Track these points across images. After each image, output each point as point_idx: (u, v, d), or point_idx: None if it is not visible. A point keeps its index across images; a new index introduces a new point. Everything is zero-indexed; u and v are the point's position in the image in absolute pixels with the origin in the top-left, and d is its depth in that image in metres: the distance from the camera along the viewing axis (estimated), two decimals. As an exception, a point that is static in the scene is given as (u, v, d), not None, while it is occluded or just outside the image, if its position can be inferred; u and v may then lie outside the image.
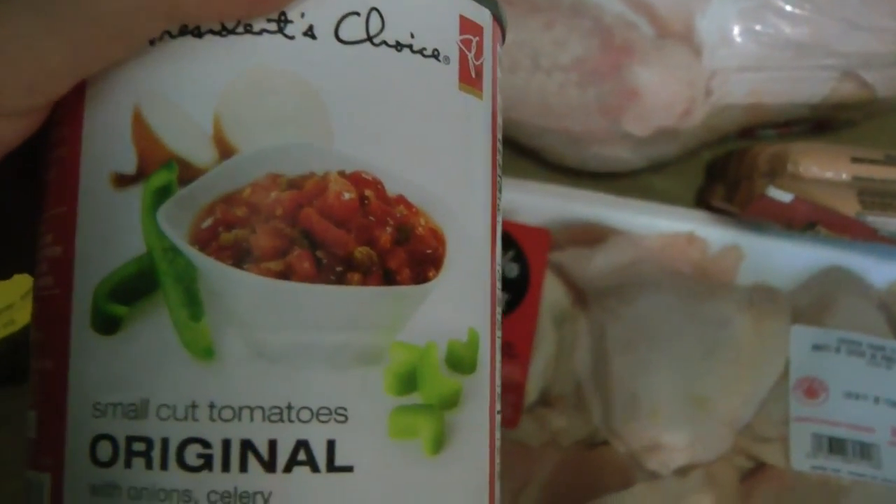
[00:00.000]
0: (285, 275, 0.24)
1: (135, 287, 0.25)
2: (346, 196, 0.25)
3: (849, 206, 0.52)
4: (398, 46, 0.26)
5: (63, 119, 0.26)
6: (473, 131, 0.28)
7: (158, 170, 0.25)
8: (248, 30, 0.25)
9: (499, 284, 0.29)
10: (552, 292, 0.54)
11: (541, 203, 0.56)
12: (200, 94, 0.25)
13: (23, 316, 0.50)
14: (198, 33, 0.25)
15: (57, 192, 0.26)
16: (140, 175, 0.25)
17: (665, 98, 0.53)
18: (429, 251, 0.26)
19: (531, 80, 0.53)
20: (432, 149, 0.27)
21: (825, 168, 0.53)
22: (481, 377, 0.28)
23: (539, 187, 0.57)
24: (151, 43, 0.25)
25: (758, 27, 0.53)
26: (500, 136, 0.30)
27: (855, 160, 0.53)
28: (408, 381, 0.25)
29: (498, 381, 0.29)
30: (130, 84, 0.25)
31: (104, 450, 0.24)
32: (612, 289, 0.54)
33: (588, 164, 0.58)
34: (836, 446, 0.51)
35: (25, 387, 0.27)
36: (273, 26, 0.25)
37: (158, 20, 0.24)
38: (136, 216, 0.25)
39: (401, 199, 0.26)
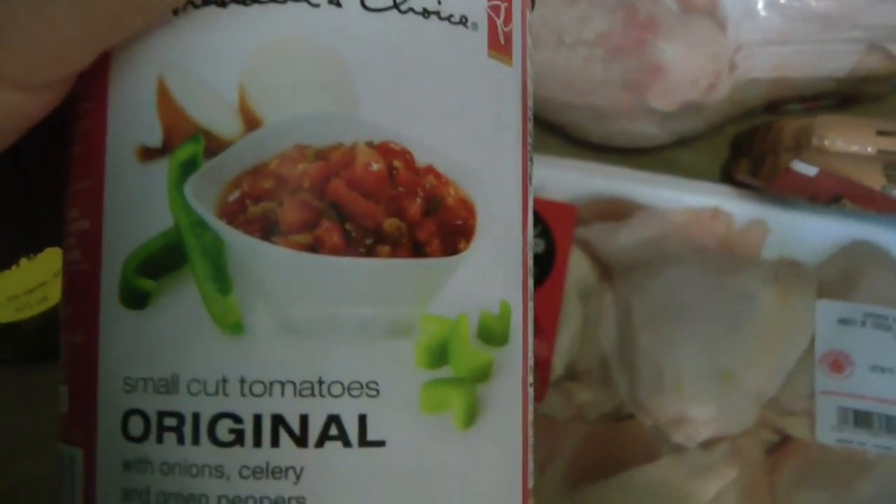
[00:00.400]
0: (314, 247, 0.24)
1: (163, 261, 0.24)
2: (375, 167, 0.25)
3: (874, 180, 0.52)
4: (425, 13, 0.26)
5: (88, 92, 0.26)
6: (503, 99, 0.28)
7: (184, 142, 0.25)
8: None
9: (530, 254, 0.29)
10: (578, 268, 0.54)
11: (566, 179, 0.56)
12: (224, 64, 0.25)
13: (55, 293, 0.51)
14: (221, 3, 0.25)
15: (83, 165, 0.26)
16: (166, 148, 0.25)
17: (689, 73, 0.53)
18: (459, 222, 0.26)
19: (556, 56, 0.54)
20: (461, 117, 0.26)
21: (850, 141, 0.52)
22: (513, 349, 0.27)
23: (564, 163, 0.57)
24: (175, 13, 0.25)
25: (782, 0, 0.53)
26: (530, 103, 0.29)
27: (880, 133, 0.53)
28: (439, 354, 0.25)
29: (530, 354, 0.29)
30: (154, 55, 0.25)
31: (135, 425, 0.24)
32: (638, 264, 0.54)
33: (613, 139, 0.58)
34: (861, 419, 0.51)
35: (54, 364, 0.28)
36: None
37: None
38: (162, 190, 0.25)
39: (430, 170, 0.25)
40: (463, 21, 0.26)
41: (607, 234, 0.55)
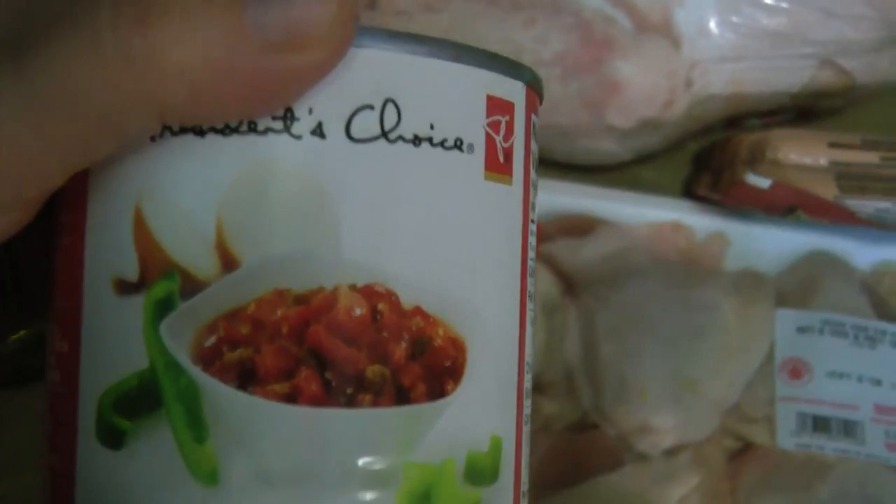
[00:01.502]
0: (292, 397, 0.23)
1: (138, 401, 0.24)
2: (357, 312, 0.23)
3: (827, 190, 0.53)
4: (416, 141, 0.24)
5: (68, 206, 0.25)
6: (499, 221, 0.26)
7: (160, 279, 0.24)
8: (253, 128, 0.23)
9: (528, 376, 0.27)
10: (542, 283, 0.55)
11: (530, 196, 0.57)
12: (201, 196, 0.23)
13: (33, 317, 0.51)
14: (199, 131, 0.23)
15: (63, 284, 0.25)
16: (142, 283, 0.24)
17: (646, 90, 0.54)
18: (447, 363, 0.24)
19: (515, 76, 0.55)
20: (452, 249, 0.25)
21: (803, 154, 0.54)
22: (504, 483, 0.26)
23: (527, 181, 0.58)
24: (153, 139, 0.23)
25: (735, 18, 0.54)
26: (533, 216, 0.27)
27: (832, 145, 0.54)
28: (421, 502, 0.24)
29: (524, 479, 0.27)
30: (131, 179, 0.24)
31: None
32: (602, 278, 0.55)
33: (576, 157, 0.59)
34: (820, 424, 0.52)
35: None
36: (279, 124, 0.23)
37: (150, 118, 0.22)
38: (138, 327, 0.24)
39: (417, 311, 0.24)
40: (458, 144, 0.25)
41: (571, 249, 0.56)
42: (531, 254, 0.27)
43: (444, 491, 0.24)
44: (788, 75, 0.56)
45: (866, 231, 0.57)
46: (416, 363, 0.24)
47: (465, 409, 0.25)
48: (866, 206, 0.53)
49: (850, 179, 0.53)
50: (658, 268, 0.55)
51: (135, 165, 0.24)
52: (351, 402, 0.23)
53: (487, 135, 0.25)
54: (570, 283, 0.56)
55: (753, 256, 0.58)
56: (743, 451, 0.53)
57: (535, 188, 0.28)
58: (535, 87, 0.27)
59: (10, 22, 0.22)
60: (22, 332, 0.52)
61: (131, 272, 0.24)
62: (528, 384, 0.27)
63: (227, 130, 0.23)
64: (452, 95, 0.25)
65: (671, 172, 0.62)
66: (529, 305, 0.27)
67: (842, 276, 0.57)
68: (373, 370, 0.23)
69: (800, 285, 0.56)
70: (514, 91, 0.26)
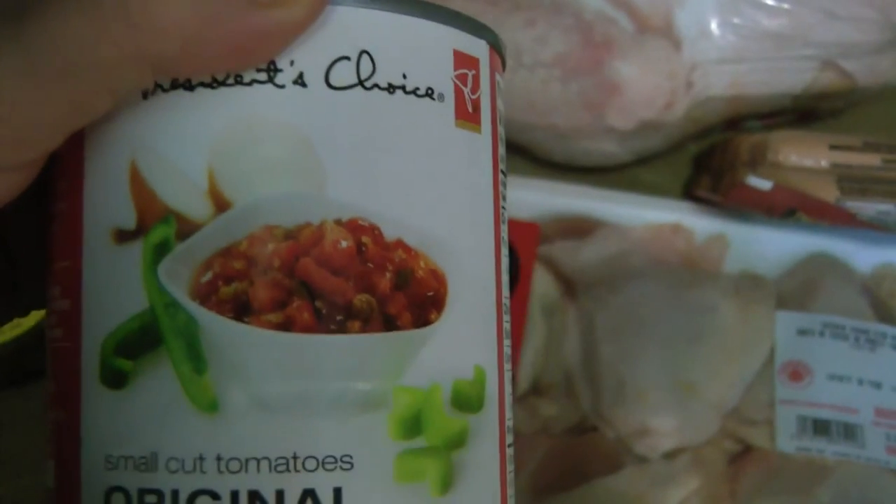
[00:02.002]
0: (285, 326, 0.24)
1: (139, 342, 0.25)
2: (343, 244, 0.25)
3: (828, 193, 0.53)
4: (390, 88, 0.26)
5: (64, 172, 0.26)
6: (472, 167, 0.28)
7: (157, 225, 0.25)
8: (239, 81, 0.25)
9: (506, 317, 0.29)
10: (542, 285, 0.55)
11: (529, 198, 0.57)
12: (192, 147, 0.25)
13: (28, 319, 0.51)
14: (189, 86, 0.25)
15: (61, 245, 0.26)
16: (140, 230, 0.25)
17: (646, 92, 0.54)
18: (429, 293, 0.26)
19: (514, 77, 0.55)
20: (429, 189, 0.26)
21: (804, 156, 0.54)
22: (489, 414, 0.27)
23: (527, 182, 0.58)
24: (144, 96, 0.25)
25: (736, 20, 0.54)
26: (502, 167, 0.29)
27: (833, 147, 0.54)
28: (412, 425, 0.25)
29: (509, 415, 0.29)
30: (126, 138, 0.25)
31: (118, 502, 0.25)
32: (601, 279, 0.55)
33: (576, 158, 0.59)
34: (820, 427, 0.52)
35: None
36: (263, 76, 0.25)
37: (144, 73, 0.23)
38: (137, 272, 0.25)
39: (399, 243, 0.25)
40: (429, 93, 0.26)
41: (570, 251, 0.56)
42: (503, 203, 0.29)
43: (433, 416, 0.26)
44: (789, 77, 0.56)
45: (867, 233, 0.57)
46: (401, 293, 0.25)
47: (448, 337, 0.26)
48: (867, 208, 0.53)
49: (851, 182, 0.53)
50: (658, 270, 0.55)
51: (128, 123, 0.25)
52: (341, 329, 0.25)
53: (456, 86, 0.27)
54: (569, 285, 0.56)
55: (753, 258, 0.58)
56: (742, 453, 0.53)
57: (503, 142, 0.29)
58: (497, 48, 0.29)
59: None
60: (17, 333, 0.52)
61: (129, 222, 0.25)
62: (506, 325, 0.29)
63: (214, 84, 0.25)
64: (422, 48, 0.27)
65: (671, 174, 0.62)
66: (503, 251, 0.29)
67: (842, 278, 0.57)
68: (360, 299, 0.25)
69: (800, 287, 0.56)
70: (478, 48, 0.28)
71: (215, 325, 0.24)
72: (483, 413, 0.27)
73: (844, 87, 0.57)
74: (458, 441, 0.26)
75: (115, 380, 0.25)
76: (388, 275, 0.25)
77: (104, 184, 0.25)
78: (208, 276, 0.25)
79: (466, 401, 0.27)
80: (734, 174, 0.55)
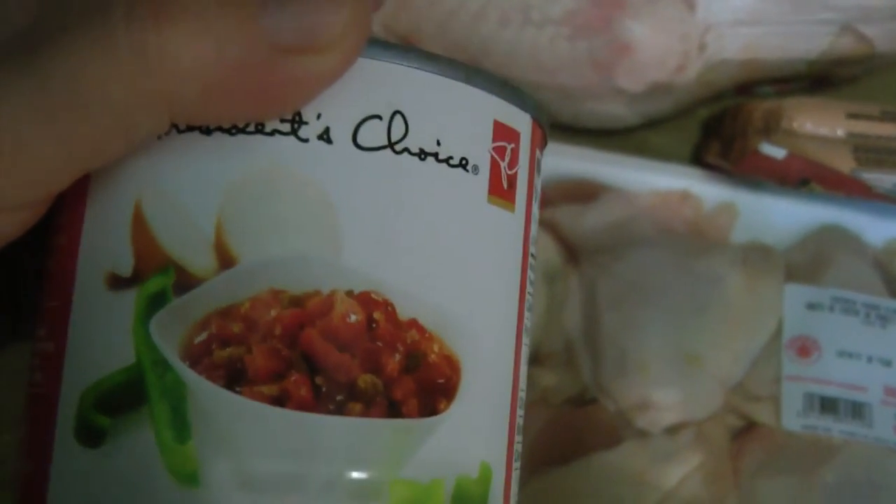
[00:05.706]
0: (280, 400, 0.23)
1: (122, 398, 0.23)
2: (353, 318, 0.23)
3: (844, 163, 0.51)
4: (422, 154, 0.24)
5: (65, 207, 0.25)
6: (501, 247, 0.26)
7: (155, 275, 0.23)
8: (260, 129, 0.23)
9: (520, 412, 0.27)
10: (544, 249, 0.54)
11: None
12: (203, 193, 0.23)
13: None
14: (206, 130, 0.23)
15: (54, 284, 0.25)
16: (136, 278, 0.23)
17: (658, 53, 0.52)
18: (441, 381, 0.24)
19: (522, 34, 0.53)
20: (452, 267, 0.25)
21: (820, 124, 0.52)
22: None
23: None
24: (158, 136, 0.24)
25: (753, -20, 0.52)
26: (533, 249, 0.27)
27: (850, 116, 0.52)
28: None
29: None
30: (134, 175, 0.24)
31: None
32: (605, 246, 0.53)
33: (582, 119, 0.58)
34: (827, 405, 0.51)
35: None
36: (286, 127, 0.23)
37: (159, 116, 0.22)
38: (128, 322, 0.23)
39: (413, 323, 0.24)
40: (463, 164, 0.25)
41: (574, 215, 0.54)
42: (529, 288, 0.27)
43: None
44: (806, 41, 0.54)
45: (880, 206, 0.56)
46: (410, 377, 0.24)
47: (456, 430, 0.24)
48: (884, 180, 0.51)
49: (867, 152, 0.51)
50: (663, 237, 0.54)
51: (138, 162, 0.24)
52: (340, 410, 0.23)
53: (493, 158, 0.25)
54: (571, 251, 0.55)
55: (763, 228, 0.56)
56: (746, 430, 0.51)
57: (536, 222, 0.28)
58: (540, 123, 0.27)
59: (22, 20, 0.22)
60: None
61: (125, 267, 0.24)
62: (520, 420, 0.27)
63: (233, 130, 0.23)
64: (460, 115, 0.25)
65: (680, 138, 0.61)
66: (525, 340, 0.27)
67: (854, 251, 0.55)
68: (365, 379, 0.23)
69: (810, 260, 0.54)
70: (521, 121, 0.26)
71: (204, 391, 0.23)
72: None
73: (863, 52, 0.55)
74: None
75: (91, 437, 0.23)
76: (397, 356, 0.24)
77: (104, 223, 0.24)
78: (203, 336, 0.23)
79: (469, 500, 0.25)
80: (746, 141, 0.54)
